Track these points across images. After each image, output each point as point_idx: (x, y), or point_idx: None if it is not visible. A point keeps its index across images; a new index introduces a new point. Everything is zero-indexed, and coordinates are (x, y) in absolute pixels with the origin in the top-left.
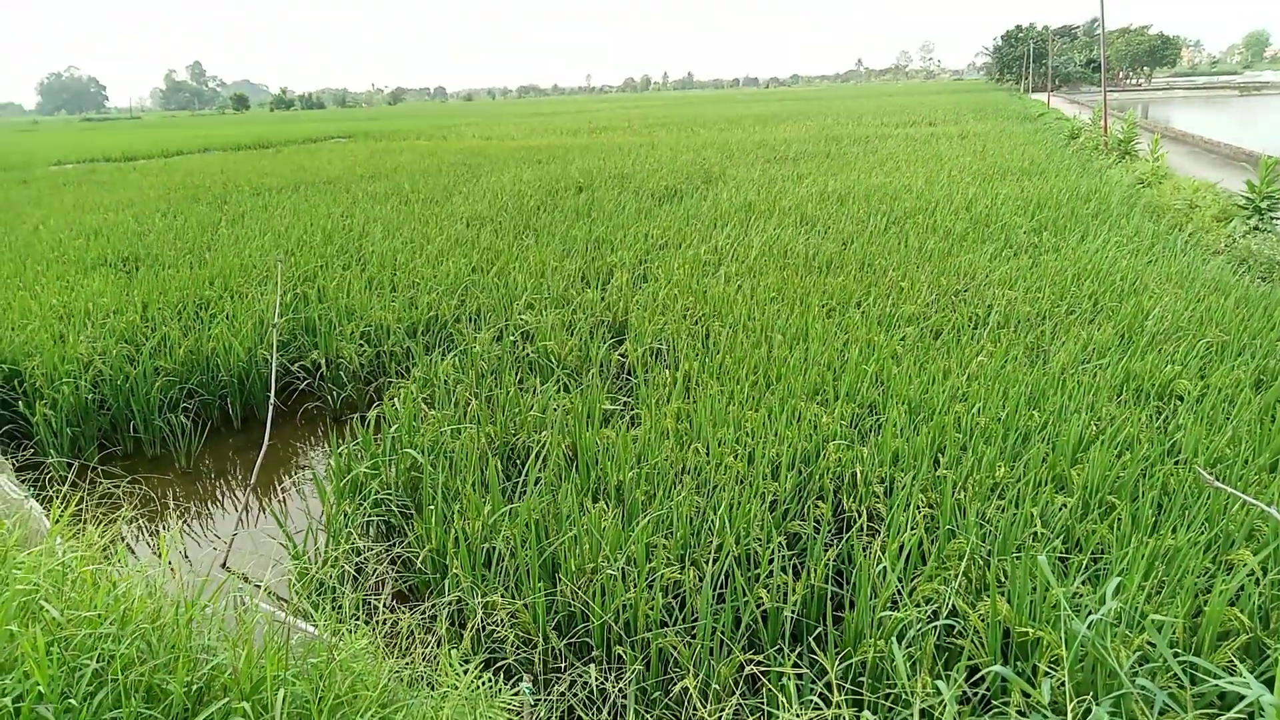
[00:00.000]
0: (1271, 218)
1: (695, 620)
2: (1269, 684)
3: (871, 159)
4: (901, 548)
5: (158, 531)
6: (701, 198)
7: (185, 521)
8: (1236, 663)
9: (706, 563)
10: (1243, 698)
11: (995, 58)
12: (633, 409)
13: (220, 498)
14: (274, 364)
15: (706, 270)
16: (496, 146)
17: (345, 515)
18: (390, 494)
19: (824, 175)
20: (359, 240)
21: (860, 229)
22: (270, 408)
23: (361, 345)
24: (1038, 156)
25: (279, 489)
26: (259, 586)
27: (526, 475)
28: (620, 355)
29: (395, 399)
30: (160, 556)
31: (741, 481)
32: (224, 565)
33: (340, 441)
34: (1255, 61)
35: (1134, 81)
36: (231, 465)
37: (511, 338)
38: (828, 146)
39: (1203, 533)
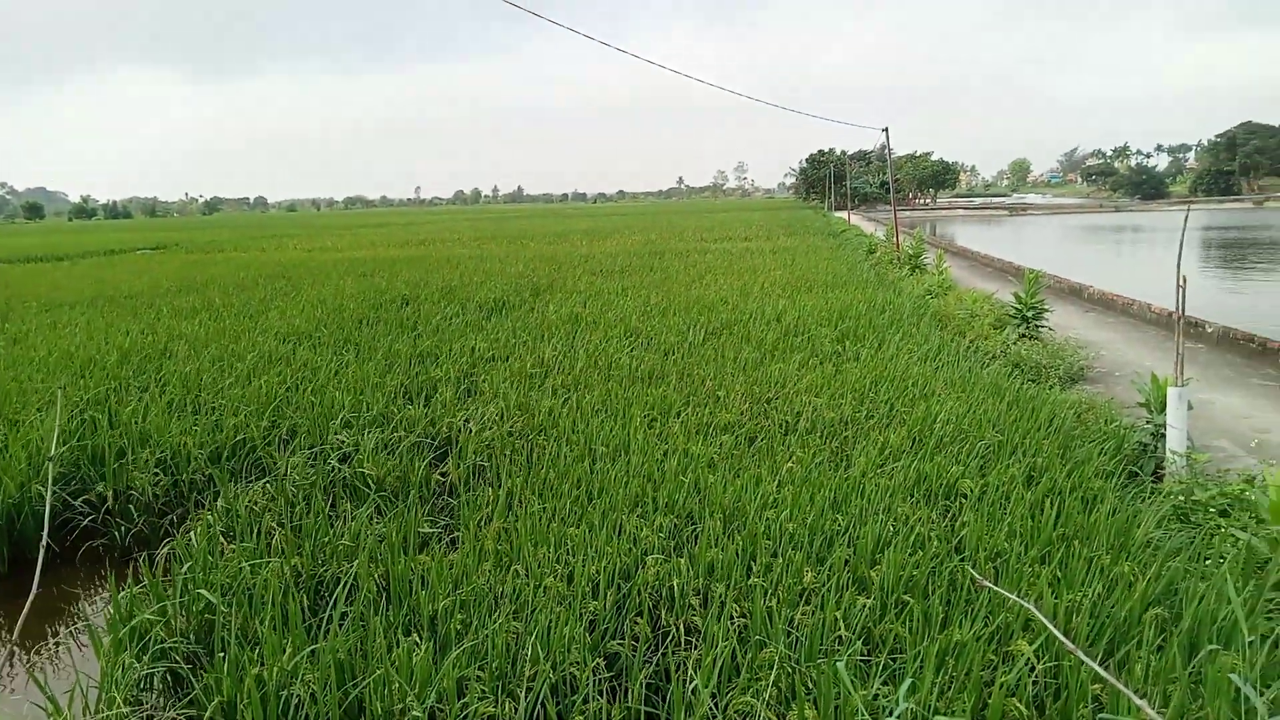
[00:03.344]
0: (1036, 325)
1: None
2: None
3: (692, 272)
4: (715, 661)
5: None
6: (529, 310)
7: None
8: None
9: (523, 693)
10: None
11: (801, 178)
12: (453, 530)
13: None
14: (49, 500)
15: (533, 383)
16: (319, 258)
17: (123, 669)
18: (179, 642)
19: (648, 288)
20: (160, 359)
21: (681, 340)
22: (42, 550)
23: (157, 474)
24: (840, 270)
25: (48, 643)
26: None
27: (334, 610)
28: (442, 474)
29: (192, 532)
30: None
31: (561, 602)
32: None
33: (124, 584)
34: (1020, 185)
35: (922, 201)
36: None
37: (326, 460)
38: (651, 260)
39: (986, 625)
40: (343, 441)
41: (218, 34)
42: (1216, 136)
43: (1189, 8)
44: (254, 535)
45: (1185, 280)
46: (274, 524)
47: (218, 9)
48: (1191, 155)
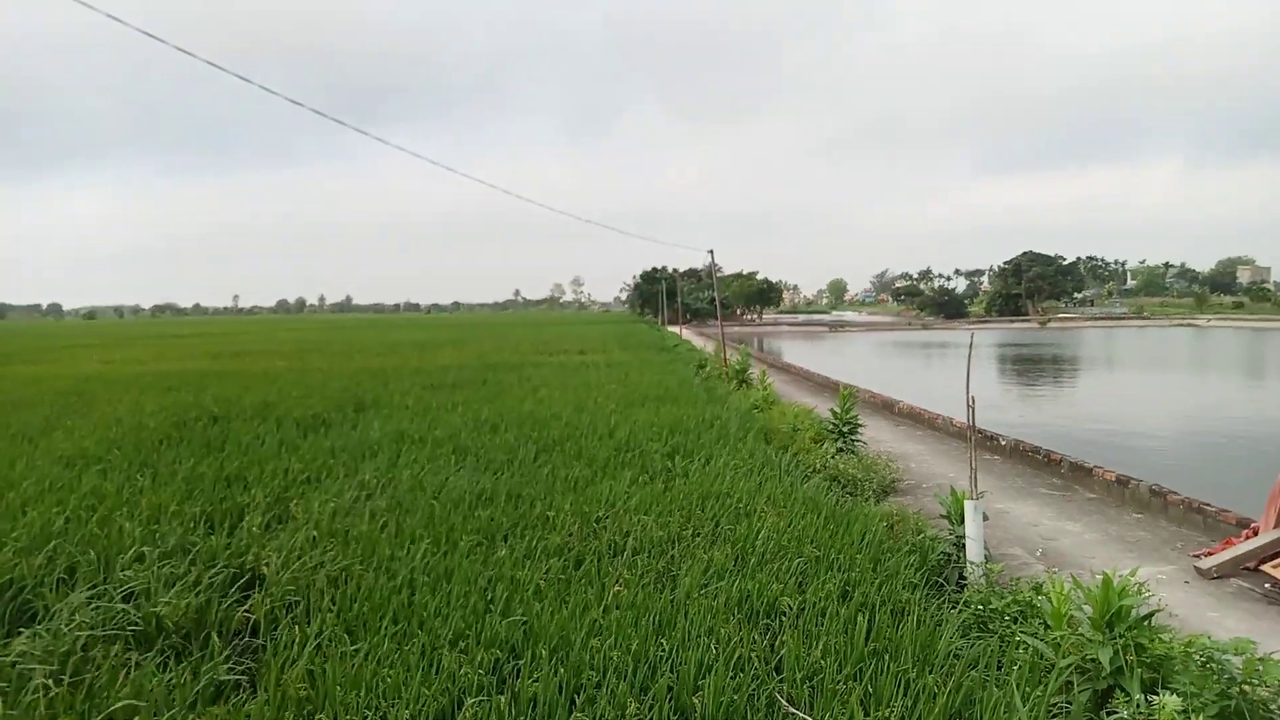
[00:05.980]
0: (852, 439)
1: None
2: None
3: (526, 386)
4: None
5: None
6: (352, 426)
7: None
8: None
9: None
10: None
11: (636, 293)
12: (254, 676)
13: None
14: None
15: (352, 508)
16: (119, 371)
17: None
18: None
19: (479, 403)
20: None
21: (511, 457)
22: None
23: None
24: (672, 384)
25: None
26: None
27: None
28: (246, 611)
29: None
30: None
31: None
32: None
33: None
34: (839, 303)
35: (750, 317)
36: None
37: (112, 600)
38: (485, 373)
39: None
40: (131, 578)
41: (22, 125)
42: (1005, 263)
43: (977, 154)
44: (18, 696)
45: (974, 400)
46: (45, 680)
47: (25, 99)
48: (985, 279)
